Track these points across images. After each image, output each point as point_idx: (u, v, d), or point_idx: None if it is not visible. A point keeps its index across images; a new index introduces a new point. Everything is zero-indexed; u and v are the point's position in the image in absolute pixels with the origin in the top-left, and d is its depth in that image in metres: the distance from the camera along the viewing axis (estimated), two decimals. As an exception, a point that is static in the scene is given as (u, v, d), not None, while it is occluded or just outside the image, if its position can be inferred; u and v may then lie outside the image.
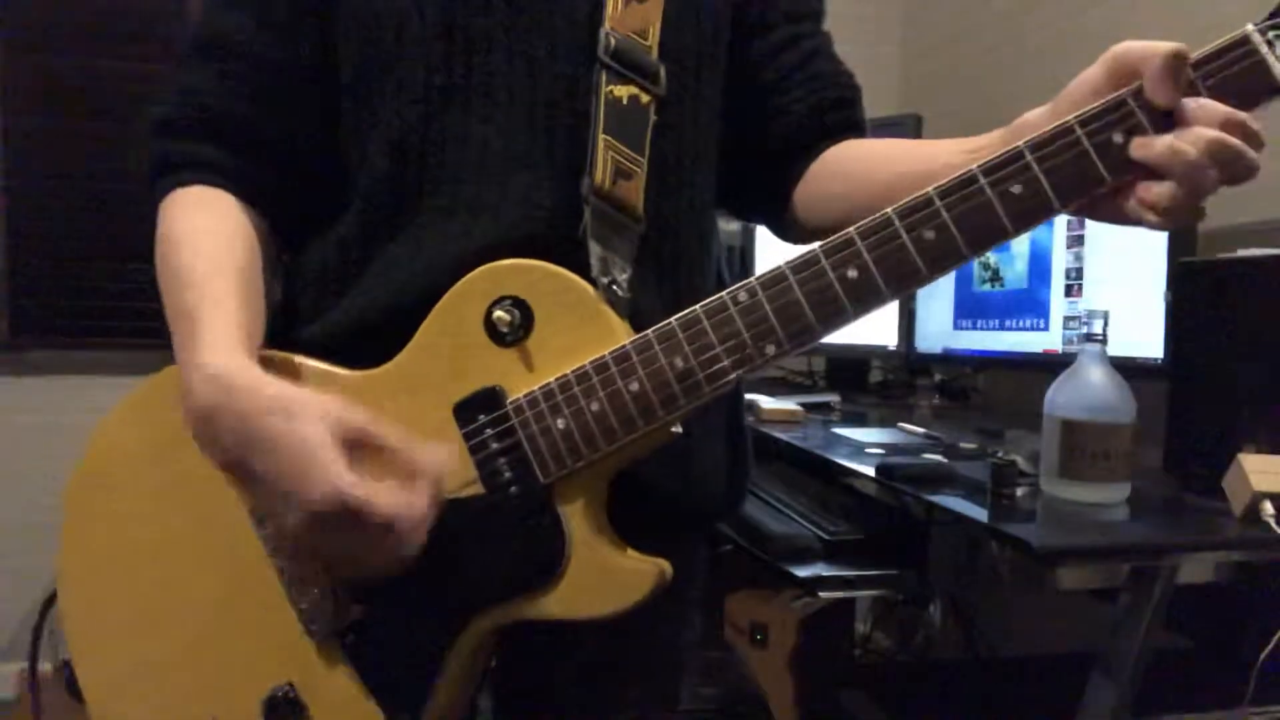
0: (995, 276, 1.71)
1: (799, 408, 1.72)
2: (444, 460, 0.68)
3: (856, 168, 0.83)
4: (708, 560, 0.93)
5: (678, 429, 0.71)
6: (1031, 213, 0.63)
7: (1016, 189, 0.62)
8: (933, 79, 2.50)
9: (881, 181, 0.77)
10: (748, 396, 1.80)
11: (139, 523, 0.79)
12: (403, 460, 0.66)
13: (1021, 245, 1.63)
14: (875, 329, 2.04)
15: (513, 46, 0.76)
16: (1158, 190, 0.60)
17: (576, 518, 0.71)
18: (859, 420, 1.78)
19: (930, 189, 0.64)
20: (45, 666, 2.18)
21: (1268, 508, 0.98)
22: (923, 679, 1.69)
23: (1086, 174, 0.62)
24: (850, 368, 2.21)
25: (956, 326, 1.83)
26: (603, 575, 0.71)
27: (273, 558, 0.75)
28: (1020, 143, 0.63)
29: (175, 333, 0.71)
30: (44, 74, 2.37)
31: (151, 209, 0.78)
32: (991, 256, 1.72)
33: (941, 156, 0.71)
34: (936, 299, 1.88)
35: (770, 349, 0.67)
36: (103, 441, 0.81)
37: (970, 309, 1.79)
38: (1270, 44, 0.59)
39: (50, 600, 2.06)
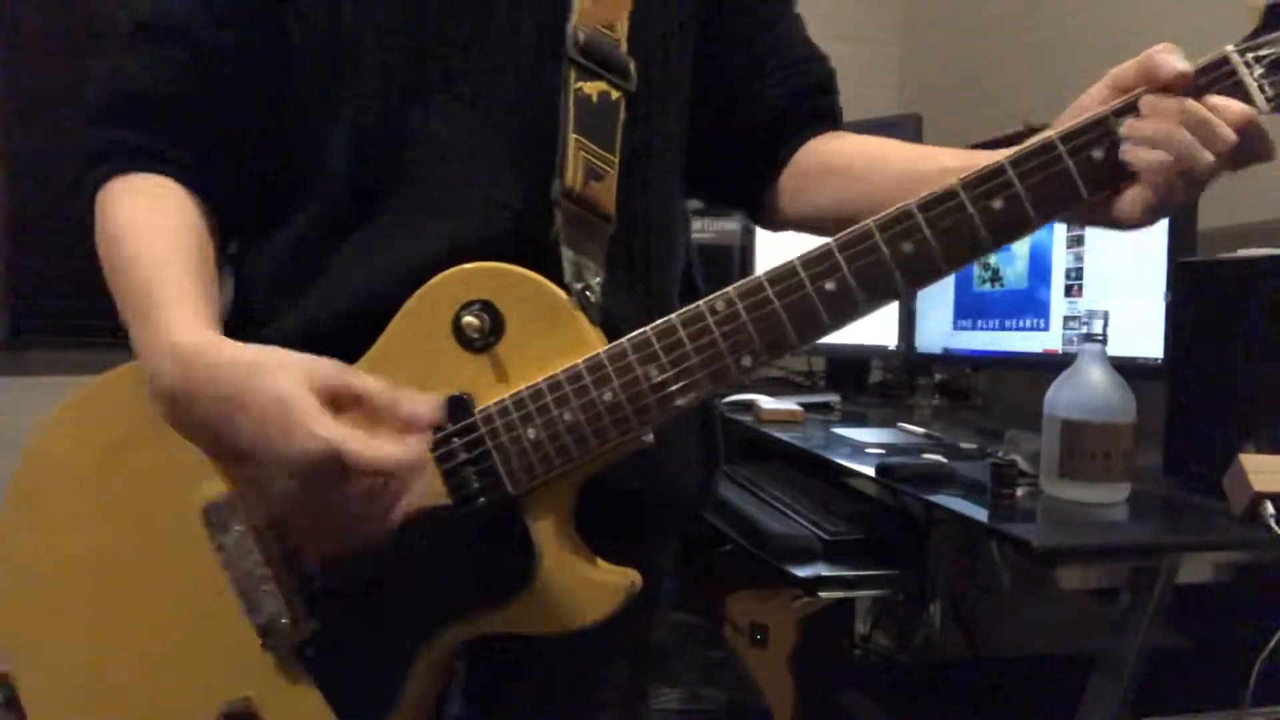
0: (995, 276, 1.71)
1: (799, 408, 1.72)
2: (434, 407, 0.64)
3: (854, 165, 0.81)
4: (678, 555, 0.91)
5: (649, 437, 0.69)
6: (1010, 228, 0.63)
7: (997, 204, 0.63)
8: (933, 79, 2.50)
9: (880, 182, 0.76)
10: (748, 396, 1.81)
11: (81, 533, 0.75)
12: (388, 411, 0.63)
13: (1022, 245, 1.63)
14: (875, 329, 2.04)
15: (476, 43, 0.73)
16: (1151, 164, 0.60)
17: (546, 530, 0.69)
18: (859, 420, 1.78)
19: (911, 202, 0.63)
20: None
21: (1268, 508, 0.98)
22: (923, 679, 1.69)
23: (1066, 190, 0.62)
24: (850, 368, 2.21)
25: (956, 326, 1.83)
26: (573, 589, 0.69)
27: (225, 569, 0.72)
28: (1002, 158, 0.63)
29: (132, 320, 0.69)
30: (45, 75, 2.36)
31: (86, 199, 0.74)
32: (991, 256, 1.72)
33: (944, 162, 0.71)
34: (937, 299, 1.88)
35: (747, 360, 0.66)
36: (38, 452, 0.78)
37: (970, 309, 1.79)
38: (1249, 65, 0.60)
39: None
